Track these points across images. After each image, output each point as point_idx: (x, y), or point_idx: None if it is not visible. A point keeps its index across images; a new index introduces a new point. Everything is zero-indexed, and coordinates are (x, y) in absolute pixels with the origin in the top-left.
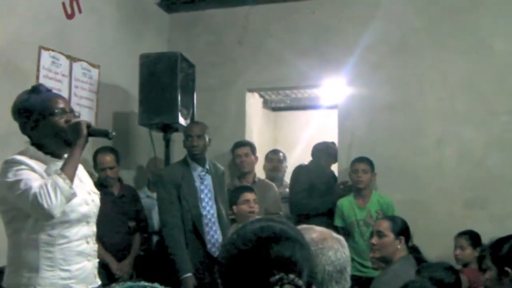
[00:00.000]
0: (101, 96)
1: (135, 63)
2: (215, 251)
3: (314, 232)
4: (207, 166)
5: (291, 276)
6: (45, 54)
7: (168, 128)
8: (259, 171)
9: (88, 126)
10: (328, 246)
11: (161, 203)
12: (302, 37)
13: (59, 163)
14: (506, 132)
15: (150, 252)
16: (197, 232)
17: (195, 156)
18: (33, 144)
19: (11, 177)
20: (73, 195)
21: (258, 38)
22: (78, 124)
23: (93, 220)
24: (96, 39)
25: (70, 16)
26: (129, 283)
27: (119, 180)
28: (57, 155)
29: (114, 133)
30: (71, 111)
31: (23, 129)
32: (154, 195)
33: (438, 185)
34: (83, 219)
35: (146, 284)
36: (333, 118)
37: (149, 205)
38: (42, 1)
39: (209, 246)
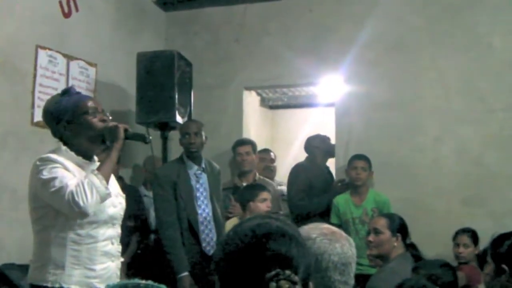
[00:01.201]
0: (99, 95)
1: (132, 61)
2: (210, 249)
3: (324, 227)
4: (203, 165)
5: (287, 272)
6: (42, 53)
7: (165, 126)
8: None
9: (126, 130)
10: (336, 239)
11: (157, 201)
12: (299, 35)
13: (91, 165)
14: (503, 129)
15: (147, 251)
16: (192, 230)
17: (192, 154)
18: (65, 144)
19: (46, 175)
20: (108, 195)
21: (255, 36)
22: (116, 128)
23: (119, 222)
24: (93, 37)
25: (67, 15)
26: (123, 281)
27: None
28: (88, 156)
29: (151, 138)
30: (103, 111)
31: (55, 132)
32: (151, 193)
33: (435, 182)
34: (109, 220)
35: (140, 281)
36: (330, 116)
37: (146, 203)
38: (39, 0)
39: (204, 244)
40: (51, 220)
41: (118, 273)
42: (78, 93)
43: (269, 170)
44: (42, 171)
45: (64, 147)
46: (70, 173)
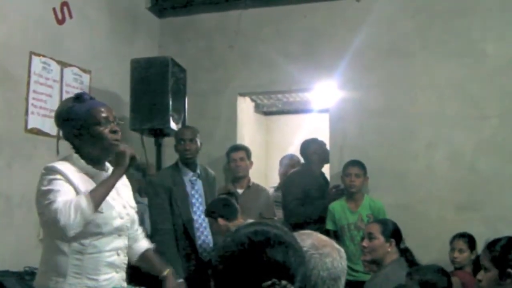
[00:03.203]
0: None
1: (126, 68)
2: (206, 255)
3: (315, 238)
4: (198, 171)
5: (283, 282)
6: (36, 60)
7: (160, 133)
8: (255, 175)
9: (132, 157)
10: (327, 253)
11: (152, 208)
12: (293, 41)
13: (102, 174)
14: (496, 135)
15: None
16: (188, 236)
17: (187, 160)
18: (76, 151)
19: (45, 185)
20: (93, 220)
21: (250, 43)
22: (123, 154)
23: (126, 233)
24: (87, 44)
25: (60, 22)
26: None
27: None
28: (98, 165)
29: (151, 174)
30: (115, 119)
31: (66, 137)
32: (145, 200)
33: (429, 188)
34: (115, 231)
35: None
36: (324, 122)
37: (140, 210)
38: (32, 6)
39: (200, 251)
40: None
41: (124, 284)
42: (92, 98)
43: None
44: (43, 181)
45: (75, 155)
46: (70, 187)
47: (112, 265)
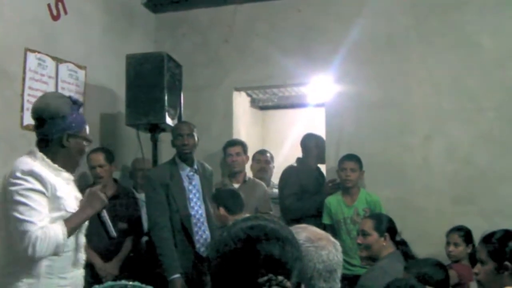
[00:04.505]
0: (88, 97)
1: (121, 63)
2: (204, 251)
3: (310, 231)
4: (195, 166)
5: (280, 277)
6: (31, 56)
7: (156, 128)
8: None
9: (104, 207)
10: (322, 246)
11: (150, 204)
12: (288, 35)
13: (64, 174)
14: (493, 128)
15: (139, 254)
16: (186, 232)
17: (186, 155)
18: (42, 148)
19: (22, 194)
20: (62, 252)
21: (245, 37)
22: (97, 197)
23: (84, 230)
24: (82, 40)
25: (55, 18)
26: (110, 283)
27: (115, 180)
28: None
29: (114, 235)
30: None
31: (47, 133)
32: (141, 196)
33: (425, 181)
34: (81, 229)
35: (127, 283)
36: (320, 116)
37: (138, 205)
38: (27, 2)
39: (198, 246)
40: None
41: (82, 281)
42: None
43: (264, 171)
44: (18, 186)
45: (40, 154)
46: (44, 199)
47: (76, 263)
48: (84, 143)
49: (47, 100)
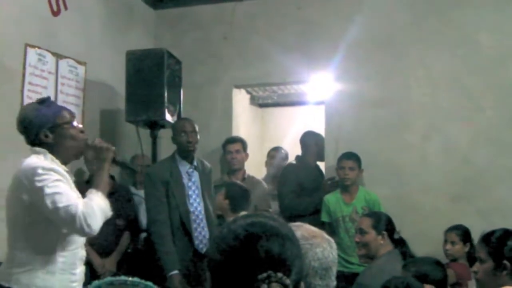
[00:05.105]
0: (88, 93)
1: (121, 60)
2: (202, 247)
3: (305, 229)
4: (195, 163)
5: (279, 274)
6: (31, 52)
7: (155, 124)
8: (251, 168)
9: (114, 156)
10: (317, 243)
11: (149, 200)
12: (288, 33)
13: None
14: (491, 127)
15: (137, 250)
16: (185, 229)
17: (190, 152)
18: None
19: (50, 186)
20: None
21: (244, 34)
22: (101, 149)
23: None
24: (82, 36)
25: (56, 13)
26: (109, 278)
27: (112, 177)
28: (66, 165)
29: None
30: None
31: (33, 140)
32: (140, 192)
33: (424, 180)
34: None
35: (127, 278)
36: (320, 114)
37: (136, 202)
38: None
39: (196, 242)
40: (43, 227)
41: (83, 277)
42: (54, 102)
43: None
44: (45, 180)
45: (50, 155)
46: (71, 188)
47: (82, 259)
48: (70, 128)
49: (17, 116)
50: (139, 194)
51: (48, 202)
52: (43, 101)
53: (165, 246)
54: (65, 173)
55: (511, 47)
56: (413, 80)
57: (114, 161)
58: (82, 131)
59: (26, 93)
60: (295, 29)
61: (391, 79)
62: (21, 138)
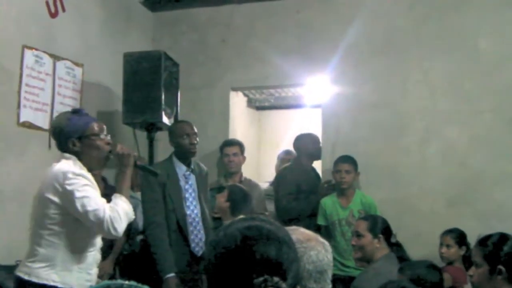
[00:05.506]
0: (85, 95)
1: (119, 62)
2: (199, 250)
3: (300, 232)
4: (192, 166)
5: (275, 278)
6: (28, 53)
7: (152, 127)
8: (247, 170)
9: (135, 161)
10: (311, 246)
11: (146, 202)
12: (286, 36)
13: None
14: (489, 130)
15: (133, 252)
16: (181, 231)
17: (192, 155)
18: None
19: (80, 190)
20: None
21: (242, 37)
22: (128, 156)
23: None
24: (80, 37)
25: (53, 15)
26: (106, 282)
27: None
28: (90, 170)
29: (158, 172)
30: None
31: (62, 146)
32: (137, 195)
33: (421, 183)
34: None
35: (123, 282)
36: (317, 117)
37: (133, 205)
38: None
39: (193, 245)
40: (65, 228)
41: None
42: (87, 114)
43: None
44: (75, 184)
45: (79, 162)
46: (98, 192)
47: (97, 262)
48: (97, 139)
49: (51, 122)
50: (136, 196)
51: (78, 205)
52: (76, 112)
53: (161, 249)
54: (91, 177)
55: (509, 51)
56: (410, 83)
57: (136, 165)
58: (108, 143)
59: (23, 94)
60: (293, 32)
61: (389, 82)
62: (18, 139)
